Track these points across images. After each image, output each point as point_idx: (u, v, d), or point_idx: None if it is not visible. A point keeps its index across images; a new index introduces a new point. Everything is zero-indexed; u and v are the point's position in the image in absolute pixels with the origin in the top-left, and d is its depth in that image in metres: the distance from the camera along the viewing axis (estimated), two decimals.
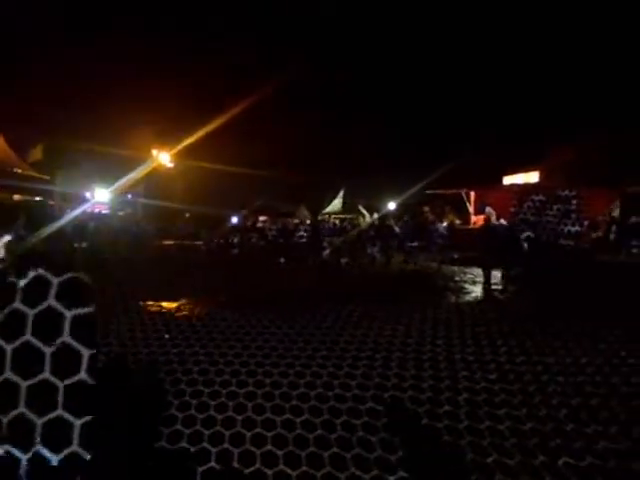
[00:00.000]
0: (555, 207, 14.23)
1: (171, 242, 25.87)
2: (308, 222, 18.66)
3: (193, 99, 47.70)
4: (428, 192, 28.62)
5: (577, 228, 14.15)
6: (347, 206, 35.04)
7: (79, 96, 40.11)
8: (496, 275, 12.27)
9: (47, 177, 24.84)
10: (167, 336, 6.69)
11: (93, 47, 44.05)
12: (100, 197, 29.66)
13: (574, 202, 14.22)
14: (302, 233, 14.92)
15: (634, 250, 14.36)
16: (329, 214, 31.13)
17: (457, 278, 13.05)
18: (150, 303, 8.99)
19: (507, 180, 22.94)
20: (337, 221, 21.07)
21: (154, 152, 32.37)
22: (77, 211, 24.82)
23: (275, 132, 45.00)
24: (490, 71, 48.33)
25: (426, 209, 32.13)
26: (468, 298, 10.14)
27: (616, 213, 20.29)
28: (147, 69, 50.61)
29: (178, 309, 8.55)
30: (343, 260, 15.61)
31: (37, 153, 27.14)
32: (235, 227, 22.54)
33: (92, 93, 39.35)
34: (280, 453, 3.79)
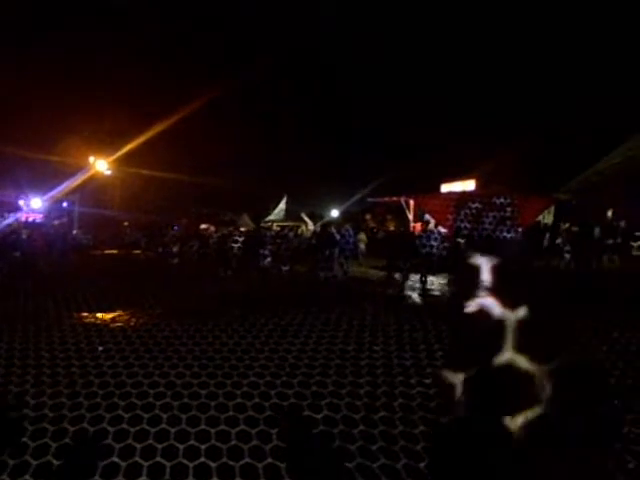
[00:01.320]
0: (491, 214, 14.62)
1: (113, 251, 25.19)
2: (242, 230, 18.37)
3: (132, 105, 46.76)
4: (369, 200, 28.93)
5: (512, 235, 14.57)
6: (290, 214, 35.01)
7: (13, 101, 38.65)
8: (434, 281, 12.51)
9: None
10: (101, 348, 6.49)
11: (29, 50, 42.67)
12: (34, 205, 28.75)
13: (509, 209, 14.65)
14: (237, 239, 14.73)
15: (566, 255, 14.87)
16: (272, 222, 30.98)
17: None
18: (85, 314, 8.73)
19: (445, 188, 23.40)
20: (278, 229, 20.93)
21: (91, 159, 31.63)
22: (9, 219, 23.93)
23: (217, 139, 44.60)
24: (430, 82, 49.49)
25: (368, 217, 32.48)
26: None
27: (549, 220, 21.02)
28: (84, 74, 49.30)
29: (113, 320, 8.32)
30: (284, 268, 15.53)
31: None
32: (175, 235, 22.12)
33: (27, 99, 37.93)
34: (213, 465, 3.72)
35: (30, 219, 27.43)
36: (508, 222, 14.55)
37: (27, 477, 3.52)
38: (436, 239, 16.22)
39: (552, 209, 20.65)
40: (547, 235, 18.91)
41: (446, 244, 14.93)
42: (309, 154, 50.05)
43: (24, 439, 4.01)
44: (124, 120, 39.45)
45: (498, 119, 37.09)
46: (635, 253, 17.64)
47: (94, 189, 35.19)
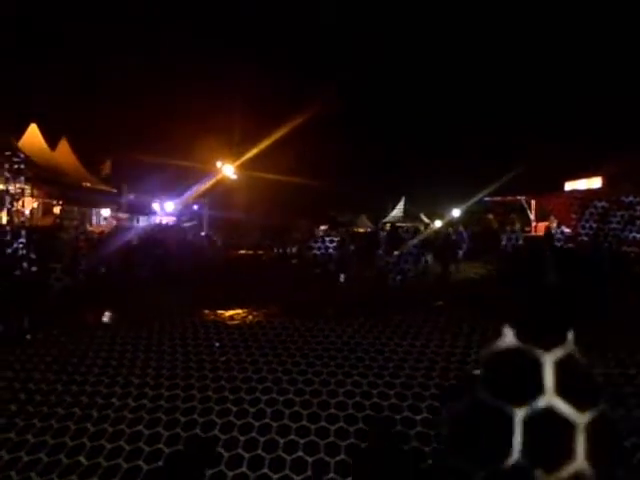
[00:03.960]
0: (619, 213, 13.77)
1: (241, 251, 26.34)
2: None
3: (257, 113, 48.68)
4: (488, 199, 28.14)
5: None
6: (408, 214, 34.87)
7: (144, 112, 41.64)
8: None
9: (114, 190, 26.06)
10: (217, 344, 6.92)
11: (158, 61, 45.74)
12: (168, 208, 30.76)
13: (639, 208, 13.72)
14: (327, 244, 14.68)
15: None
16: (389, 223, 30.99)
17: None
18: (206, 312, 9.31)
19: (569, 186, 22.26)
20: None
21: (218, 164, 33.19)
22: (145, 222, 25.91)
23: (337, 143, 45.40)
24: (550, 77, 47.19)
25: (490, 216, 31.57)
26: None
27: None
28: (209, 84, 52.05)
29: (231, 318, 8.81)
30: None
31: (107, 168, 28.52)
32: (295, 237, 22.81)
33: (157, 110, 40.77)
34: (310, 460, 3.91)
35: (164, 222, 29.43)
36: (638, 222, 13.61)
37: (140, 463, 3.91)
38: (559, 239, 15.58)
39: None
40: None
41: (570, 245, 14.25)
42: (427, 154, 49.51)
43: (140, 427, 4.44)
44: (250, 127, 41.28)
45: (626, 115, 34.48)
46: None
47: (222, 192, 36.81)
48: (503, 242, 19.80)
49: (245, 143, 34.64)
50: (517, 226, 20.38)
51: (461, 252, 16.74)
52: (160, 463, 3.84)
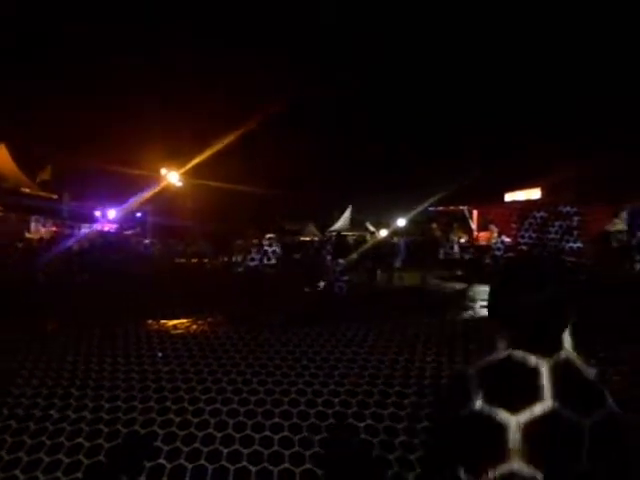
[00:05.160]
0: (557, 223, 14.23)
1: (182, 260, 25.98)
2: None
3: (201, 119, 48.21)
4: (432, 209, 28.73)
5: (579, 245, 14.13)
6: (355, 223, 35.14)
7: (87, 116, 40.64)
8: None
9: (55, 196, 25.31)
10: (160, 354, 6.76)
11: (105, 66, 44.73)
12: (110, 216, 30.04)
13: (576, 219, 14.22)
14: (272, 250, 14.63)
15: (637, 265, 14.35)
16: (336, 231, 31.16)
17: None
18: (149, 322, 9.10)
19: (509, 197, 22.96)
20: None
21: (163, 171, 32.70)
22: (86, 230, 25.23)
23: (282, 150, 45.38)
24: (490, 89, 48.60)
25: (434, 226, 32.20)
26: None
27: (620, 228, 20.16)
28: (156, 88, 51.30)
29: (174, 327, 8.64)
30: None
31: (45, 174, 27.64)
32: (240, 245, 22.65)
33: (102, 115, 39.85)
34: (254, 470, 3.85)
35: (106, 229, 28.74)
36: (575, 232, 14.11)
37: (79, 475, 3.78)
38: (499, 249, 16.03)
39: (623, 216, 19.80)
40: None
41: (510, 254, 14.70)
42: (374, 164, 50.11)
43: (80, 440, 4.28)
44: (194, 134, 40.82)
45: (565, 128, 35.82)
46: None
47: (166, 200, 36.26)
48: (441, 251, 20.33)
49: (191, 150, 34.18)
50: (453, 236, 20.97)
51: (399, 260, 17.07)
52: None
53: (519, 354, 1.32)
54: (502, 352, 1.35)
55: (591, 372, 1.33)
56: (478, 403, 1.30)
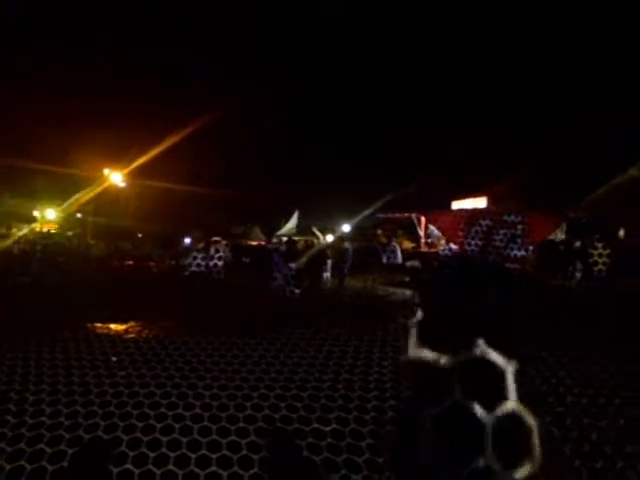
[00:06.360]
0: (502, 232, 14.62)
1: (129, 262, 25.30)
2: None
3: (146, 118, 47.38)
4: (380, 216, 29.04)
5: (522, 252, 14.56)
6: (301, 228, 35.14)
7: (28, 114, 39.30)
8: None
9: None
10: (114, 359, 6.61)
11: (44, 63, 43.39)
12: (49, 216, 29.02)
13: (520, 227, 14.65)
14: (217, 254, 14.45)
15: (577, 274, 14.91)
16: (283, 236, 31.09)
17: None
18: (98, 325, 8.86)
19: (456, 205, 23.45)
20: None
21: (105, 171, 31.93)
22: (24, 230, 24.28)
23: (228, 152, 45.04)
24: (441, 97, 49.70)
25: (379, 232, 32.54)
26: None
27: (561, 238, 20.90)
28: (98, 87, 50.14)
29: (126, 331, 8.45)
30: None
31: None
32: (187, 248, 22.27)
33: (42, 112, 38.59)
34: (220, 473, 3.82)
35: (45, 230, 27.71)
36: (519, 240, 14.54)
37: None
38: (447, 256, 16.35)
39: (564, 227, 20.55)
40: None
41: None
42: (321, 168, 50.39)
43: (41, 446, 4.14)
44: (138, 133, 40.04)
45: (510, 136, 37.07)
46: None
47: (109, 201, 35.43)
48: (383, 258, 20.56)
49: (134, 150, 33.47)
50: (392, 242, 21.28)
51: (347, 266, 17.21)
52: None
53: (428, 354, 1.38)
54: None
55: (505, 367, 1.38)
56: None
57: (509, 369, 1.34)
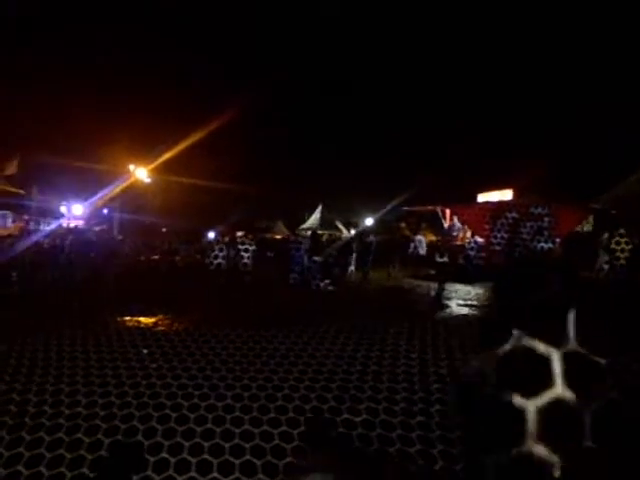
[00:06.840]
0: (528, 224, 14.46)
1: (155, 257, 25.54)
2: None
3: (172, 114, 47.71)
4: (405, 209, 28.99)
5: (550, 245, 14.39)
6: (325, 222, 35.15)
7: (55, 111, 39.86)
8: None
9: (22, 192, 24.70)
10: (145, 351, 6.70)
11: (72, 63, 43.95)
12: (76, 211, 29.40)
13: (546, 219, 14.46)
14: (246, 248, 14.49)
15: (605, 266, 14.72)
16: (306, 229, 31.18)
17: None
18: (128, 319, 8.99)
19: (482, 198, 23.25)
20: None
21: (131, 167, 32.24)
22: (53, 225, 24.66)
23: (253, 147, 45.22)
24: (464, 93, 49.26)
25: (403, 225, 32.42)
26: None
27: (588, 229, 20.60)
28: (124, 85, 50.62)
29: (155, 324, 8.56)
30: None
31: (12, 167, 26.93)
32: (212, 242, 22.41)
33: (70, 109, 39.08)
34: (259, 463, 3.88)
35: (72, 225, 28.09)
36: (545, 232, 14.35)
37: (84, 470, 3.75)
38: (472, 248, 16.25)
39: (590, 219, 20.23)
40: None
41: (483, 254, 14.94)
42: (345, 163, 50.33)
43: (79, 435, 4.25)
44: (163, 130, 40.36)
45: (536, 129, 36.61)
46: None
47: (134, 196, 35.73)
48: (411, 246, 20.46)
49: (160, 146, 33.74)
50: (418, 235, 21.18)
51: (370, 259, 17.18)
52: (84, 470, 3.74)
53: (530, 342, 1.40)
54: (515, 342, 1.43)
55: (600, 361, 1.40)
56: (494, 389, 1.37)
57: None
